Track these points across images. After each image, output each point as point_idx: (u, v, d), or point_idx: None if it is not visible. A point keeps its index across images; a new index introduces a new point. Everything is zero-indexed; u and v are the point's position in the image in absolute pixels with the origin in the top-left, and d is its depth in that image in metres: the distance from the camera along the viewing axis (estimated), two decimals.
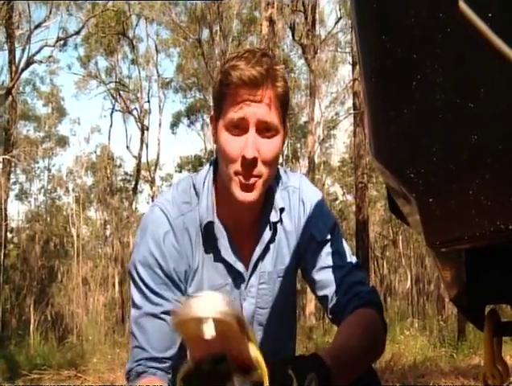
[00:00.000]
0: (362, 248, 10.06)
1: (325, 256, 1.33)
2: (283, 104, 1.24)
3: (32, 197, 24.68)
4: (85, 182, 24.85)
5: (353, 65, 10.54)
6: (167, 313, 1.22)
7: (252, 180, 1.21)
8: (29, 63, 14.49)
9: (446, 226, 0.56)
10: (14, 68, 13.99)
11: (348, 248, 1.37)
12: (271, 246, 1.34)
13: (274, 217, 1.32)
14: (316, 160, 15.92)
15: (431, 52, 0.55)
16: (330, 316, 1.33)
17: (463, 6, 0.49)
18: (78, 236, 22.02)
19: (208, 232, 1.28)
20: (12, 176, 18.06)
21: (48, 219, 24.35)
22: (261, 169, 1.21)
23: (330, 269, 1.31)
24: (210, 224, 1.27)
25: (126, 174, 24.55)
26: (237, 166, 1.20)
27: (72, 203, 23.78)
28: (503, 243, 0.57)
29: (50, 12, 14.77)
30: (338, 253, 1.33)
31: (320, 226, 1.35)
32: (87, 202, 24.86)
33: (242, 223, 1.32)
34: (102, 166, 22.83)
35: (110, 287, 21.35)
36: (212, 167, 1.34)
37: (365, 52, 0.62)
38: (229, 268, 1.31)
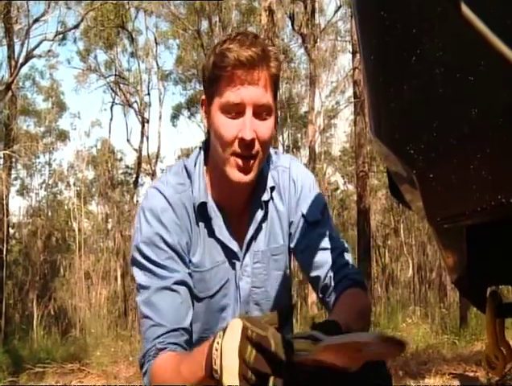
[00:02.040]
0: (364, 237, 10.06)
1: (317, 238, 1.36)
2: (276, 84, 1.26)
3: (33, 192, 24.66)
4: (86, 177, 24.83)
5: (353, 54, 10.49)
6: (177, 283, 1.24)
7: (251, 161, 1.23)
8: (28, 57, 14.43)
9: (447, 201, 0.56)
10: (13, 63, 13.94)
11: (335, 229, 1.41)
12: (263, 225, 1.36)
13: (265, 196, 1.35)
14: (317, 150, 15.88)
15: (430, 27, 0.54)
16: (320, 295, 1.37)
17: (465, 9, 0.49)
18: (80, 230, 22.03)
19: (201, 212, 1.30)
20: (13, 171, 18.04)
21: (50, 213, 24.37)
22: (258, 149, 1.23)
23: (322, 251, 1.35)
24: (203, 205, 1.30)
25: (127, 167, 24.53)
26: (235, 148, 1.22)
27: (74, 197, 23.79)
28: (504, 218, 0.57)
29: (48, 6, 14.69)
30: (329, 235, 1.37)
31: (312, 207, 1.38)
32: (88, 196, 24.86)
33: (235, 203, 1.34)
34: (103, 160, 22.80)
35: (112, 281, 21.40)
36: (202, 150, 1.36)
37: (364, 30, 0.62)
38: (224, 247, 1.33)
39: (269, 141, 1.26)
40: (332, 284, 1.32)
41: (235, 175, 1.24)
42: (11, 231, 19.88)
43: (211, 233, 1.32)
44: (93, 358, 7.47)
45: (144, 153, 20.24)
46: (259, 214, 1.35)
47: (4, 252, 13.50)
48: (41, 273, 21.48)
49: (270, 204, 1.37)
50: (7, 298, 15.14)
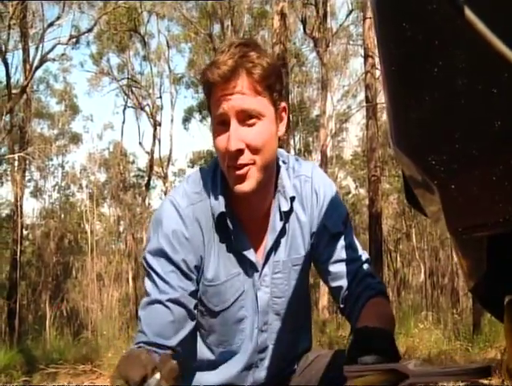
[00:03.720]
0: (375, 242, 10.02)
1: (340, 249, 1.35)
2: (267, 86, 1.22)
3: (46, 194, 24.89)
4: (99, 179, 25.03)
5: (365, 58, 10.46)
6: (171, 301, 1.23)
7: (243, 170, 1.22)
8: (42, 61, 14.57)
9: (469, 212, 0.56)
10: (28, 67, 14.08)
11: (355, 239, 1.41)
12: (284, 235, 1.35)
13: (284, 206, 1.33)
14: (329, 153, 15.87)
15: (453, 38, 0.54)
16: (342, 305, 1.36)
17: (469, 14, 0.49)
18: (92, 232, 22.18)
19: (220, 222, 1.29)
20: (27, 174, 18.20)
21: (62, 215, 24.56)
22: (250, 157, 1.22)
23: (345, 262, 1.34)
24: (222, 215, 1.28)
25: (139, 170, 24.68)
26: (227, 160, 1.22)
27: (86, 199, 23.96)
28: None
29: (62, 11, 14.83)
30: (351, 246, 1.37)
31: (334, 218, 1.37)
32: (100, 198, 25.02)
33: (254, 213, 1.33)
34: (115, 163, 22.96)
35: (124, 282, 21.51)
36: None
37: (384, 40, 0.62)
38: (241, 258, 1.31)
39: (263, 147, 1.22)
40: (355, 294, 1.32)
41: (235, 187, 1.24)
42: (25, 232, 20.06)
43: (228, 244, 1.30)
44: (105, 359, 7.51)
45: (156, 155, 20.38)
46: (279, 224, 1.33)
47: (18, 254, 13.62)
48: (54, 275, 21.65)
49: (292, 215, 1.35)
50: (21, 299, 15.26)
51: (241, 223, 1.31)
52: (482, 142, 0.53)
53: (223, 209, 1.28)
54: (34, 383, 6.63)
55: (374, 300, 1.29)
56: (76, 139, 24.97)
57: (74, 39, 16.71)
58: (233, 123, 1.20)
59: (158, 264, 1.25)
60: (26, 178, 18.63)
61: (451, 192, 0.56)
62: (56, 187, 25.08)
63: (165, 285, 1.24)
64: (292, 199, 1.34)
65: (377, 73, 10.48)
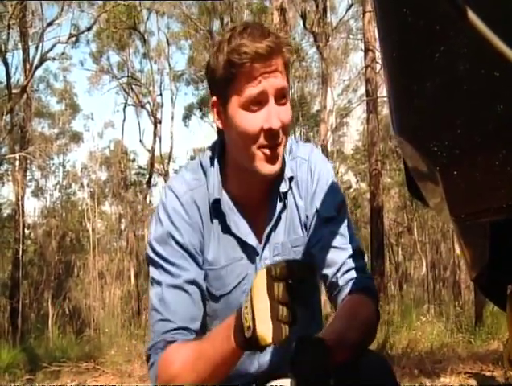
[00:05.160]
0: (377, 236, 10.02)
1: (329, 235, 1.31)
2: (288, 67, 1.25)
3: (48, 193, 24.86)
4: (100, 177, 24.98)
5: (366, 52, 10.44)
6: (188, 282, 1.23)
7: (279, 149, 1.22)
8: (42, 60, 14.56)
9: (471, 198, 0.56)
10: (28, 66, 14.07)
11: (352, 229, 1.36)
12: (282, 216, 1.33)
13: (283, 187, 1.31)
14: (329, 148, 15.85)
15: (453, 22, 0.54)
16: (328, 294, 1.33)
17: (471, 16, 0.49)
18: (93, 230, 22.18)
19: (215, 208, 1.28)
20: (28, 173, 18.19)
21: (64, 214, 24.55)
22: (281, 136, 1.21)
23: (332, 250, 1.30)
24: (217, 201, 1.28)
25: (140, 167, 24.64)
26: (261, 140, 1.20)
27: (87, 198, 23.96)
28: None
29: (62, 10, 14.81)
30: (342, 234, 1.32)
31: (328, 202, 1.33)
32: (102, 196, 25.00)
33: (253, 196, 1.32)
34: (116, 161, 22.94)
35: (126, 280, 21.52)
36: (217, 147, 1.34)
37: (385, 27, 0.62)
38: (241, 243, 1.30)
39: (290, 127, 1.24)
40: (337, 287, 1.28)
41: (265, 168, 1.21)
42: (26, 231, 20.08)
43: (226, 230, 1.29)
44: (108, 357, 7.52)
45: (157, 153, 20.36)
46: (278, 205, 1.31)
47: (20, 253, 13.65)
48: (56, 273, 21.66)
49: (290, 197, 1.33)
50: (23, 298, 15.29)
51: (238, 206, 1.30)
52: (484, 128, 0.53)
53: (218, 196, 1.28)
54: (37, 382, 6.65)
55: (354, 297, 1.25)
56: (76, 138, 24.95)
57: (74, 38, 16.69)
58: (272, 101, 1.19)
59: (165, 249, 1.25)
60: (28, 178, 18.65)
61: (453, 178, 0.56)
62: (57, 186, 25.08)
63: (176, 269, 1.24)
64: (291, 179, 1.33)
65: (378, 67, 10.46)
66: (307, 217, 1.34)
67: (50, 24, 14.70)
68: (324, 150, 13.41)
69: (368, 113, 10.46)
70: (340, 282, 1.28)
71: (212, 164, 1.32)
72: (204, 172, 1.31)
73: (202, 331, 1.27)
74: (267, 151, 1.20)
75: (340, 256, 1.29)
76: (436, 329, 7.64)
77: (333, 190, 1.36)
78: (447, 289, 18.26)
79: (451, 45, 0.54)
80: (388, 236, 19.29)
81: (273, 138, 1.20)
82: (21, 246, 13.84)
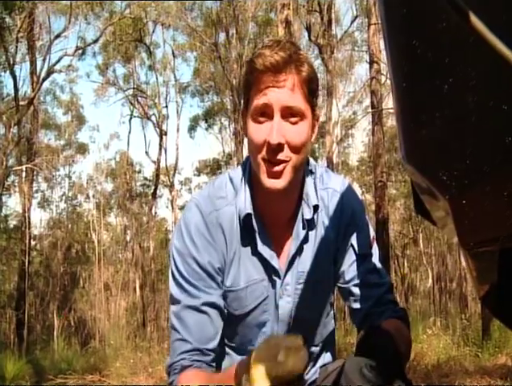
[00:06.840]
0: (382, 247, 9.98)
1: (365, 272, 1.33)
2: (310, 89, 1.22)
3: (54, 204, 25.00)
4: (105, 189, 25.12)
5: (371, 64, 10.47)
6: (206, 304, 1.25)
7: (279, 166, 1.20)
8: (49, 72, 14.71)
9: (480, 227, 0.57)
10: (35, 79, 14.20)
11: (381, 262, 1.38)
12: (309, 245, 1.32)
13: (307, 214, 1.31)
14: (335, 160, 15.85)
15: (463, 56, 0.55)
16: (358, 326, 1.34)
17: (474, 20, 0.50)
18: (99, 241, 22.23)
19: (246, 224, 1.28)
20: (34, 184, 18.28)
21: (70, 225, 24.64)
22: (288, 154, 1.20)
23: (369, 286, 1.32)
24: (249, 216, 1.27)
25: (146, 179, 24.72)
26: (263, 153, 1.20)
27: (93, 209, 24.05)
28: None
29: (69, 22, 14.97)
30: (377, 270, 1.35)
31: (362, 238, 1.34)
32: (107, 208, 25.09)
33: (278, 217, 1.32)
34: (122, 172, 23.04)
35: (131, 292, 21.51)
36: (248, 162, 1.33)
37: (395, 58, 0.63)
38: (265, 263, 1.30)
39: (301, 147, 1.21)
40: (375, 314, 1.29)
41: (267, 182, 1.21)
42: (32, 243, 20.13)
43: (254, 247, 1.29)
44: (113, 369, 7.52)
45: (162, 164, 20.43)
46: (302, 232, 1.31)
47: (26, 264, 13.68)
48: (61, 285, 21.69)
49: (319, 226, 1.33)
50: (29, 309, 15.30)
51: (265, 227, 1.30)
52: (493, 158, 0.54)
53: (250, 210, 1.27)
54: None
55: (394, 320, 1.27)
56: (82, 149, 25.10)
57: (80, 50, 16.86)
58: (277, 117, 1.19)
59: (184, 266, 1.26)
60: (34, 189, 18.73)
61: (462, 207, 0.57)
62: (63, 198, 25.20)
63: (195, 290, 1.25)
64: (316, 207, 1.31)
65: (383, 79, 10.49)
66: (338, 250, 1.34)
67: (57, 37, 14.88)
68: (330, 162, 13.42)
69: (373, 125, 10.46)
70: (378, 311, 1.30)
71: (242, 180, 1.31)
72: (235, 188, 1.31)
73: (220, 346, 1.30)
74: (268, 165, 1.21)
75: (376, 292, 1.32)
76: (443, 342, 7.60)
77: (366, 227, 1.37)
78: (453, 301, 18.15)
79: (459, 77, 0.56)
80: (393, 248, 19.22)
81: (273, 153, 1.19)
82: (27, 257, 13.88)
